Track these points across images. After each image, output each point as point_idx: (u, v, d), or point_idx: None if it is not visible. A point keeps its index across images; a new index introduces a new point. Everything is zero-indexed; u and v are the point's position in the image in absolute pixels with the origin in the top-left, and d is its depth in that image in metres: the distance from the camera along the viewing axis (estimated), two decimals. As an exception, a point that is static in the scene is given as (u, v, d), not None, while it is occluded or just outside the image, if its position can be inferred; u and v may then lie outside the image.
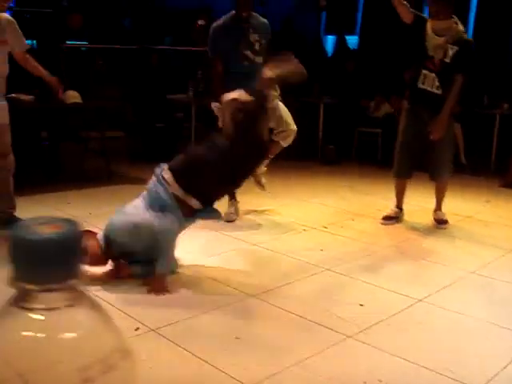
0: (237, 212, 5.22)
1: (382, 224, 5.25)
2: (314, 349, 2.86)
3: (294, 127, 5.11)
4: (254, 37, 4.94)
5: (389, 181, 6.18)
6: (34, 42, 8.14)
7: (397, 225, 5.23)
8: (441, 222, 5.20)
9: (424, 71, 4.90)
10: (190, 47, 9.06)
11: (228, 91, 4.32)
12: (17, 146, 4.71)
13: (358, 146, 8.32)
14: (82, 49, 9.67)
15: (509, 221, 5.46)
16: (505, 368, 2.77)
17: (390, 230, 5.08)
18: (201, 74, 7.59)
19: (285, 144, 5.19)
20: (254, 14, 5.05)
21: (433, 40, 4.81)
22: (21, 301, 0.66)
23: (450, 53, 4.81)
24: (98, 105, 6.52)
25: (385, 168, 7.54)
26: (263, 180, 5.35)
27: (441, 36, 4.79)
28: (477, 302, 3.57)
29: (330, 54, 11.71)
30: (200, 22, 8.79)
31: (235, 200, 5.23)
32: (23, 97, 5.84)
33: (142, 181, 6.50)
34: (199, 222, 4.88)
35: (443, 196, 5.27)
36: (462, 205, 5.93)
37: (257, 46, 4.95)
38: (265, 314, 3.27)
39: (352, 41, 12.65)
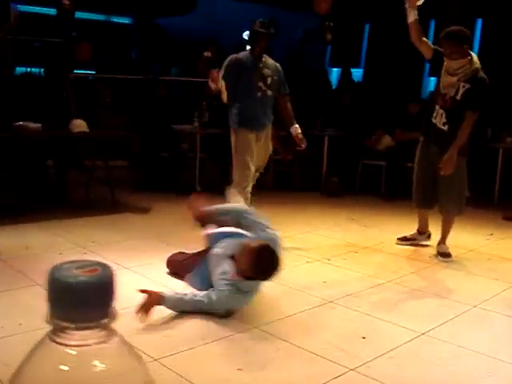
0: None
1: (397, 244, 5.56)
2: (316, 381, 2.85)
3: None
4: (266, 72, 5.40)
5: (392, 213, 6.23)
6: (42, 70, 8.24)
7: (400, 258, 5.23)
8: (444, 255, 5.21)
9: (436, 107, 5.02)
10: (195, 78, 9.15)
11: (246, 118, 5.32)
12: (23, 173, 4.76)
13: (361, 179, 8.35)
14: (90, 78, 9.82)
15: (511, 254, 5.45)
16: (508, 403, 2.76)
17: (394, 263, 5.07)
18: (206, 104, 7.66)
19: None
20: (265, 55, 5.49)
21: (446, 78, 4.93)
22: (56, 336, 0.71)
23: (461, 90, 4.86)
24: (103, 134, 6.58)
25: (388, 201, 7.60)
26: None
27: (453, 75, 4.88)
28: (479, 336, 3.56)
29: (334, 87, 11.82)
30: (206, 54, 8.91)
31: None
32: (31, 125, 5.91)
33: (146, 210, 6.61)
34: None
35: (449, 230, 5.31)
36: (465, 238, 5.93)
37: (269, 80, 5.39)
38: (267, 346, 3.26)
39: (357, 73, 12.78)
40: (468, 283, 4.60)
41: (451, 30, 4.86)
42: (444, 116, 4.97)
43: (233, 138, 5.48)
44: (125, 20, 13.71)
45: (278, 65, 5.54)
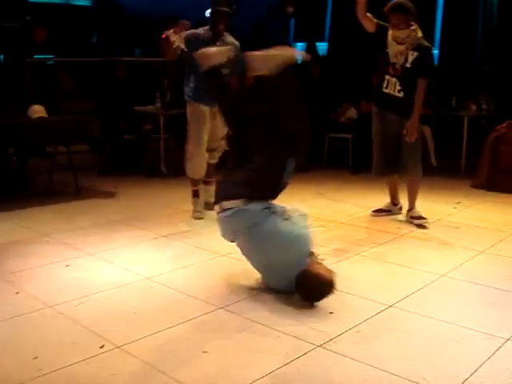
0: (202, 209, 5.56)
1: (372, 215, 5.64)
2: (283, 360, 2.81)
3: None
4: None
5: (359, 186, 6.20)
6: (1, 56, 8.02)
7: (367, 230, 5.22)
8: (420, 218, 5.36)
9: (387, 76, 5.23)
10: (156, 58, 8.99)
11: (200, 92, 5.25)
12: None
13: (329, 152, 8.30)
14: (49, 63, 9.60)
15: (479, 222, 5.46)
16: (476, 371, 2.74)
17: (362, 236, 5.05)
18: (167, 83, 7.53)
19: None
20: (226, 33, 5.47)
21: (394, 47, 5.14)
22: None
23: (411, 58, 5.12)
24: (62, 119, 6.43)
25: (356, 173, 7.58)
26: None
27: (401, 44, 5.11)
28: (448, 305, 3.55)
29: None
30: (167, 33, 8.74)
31: (198, 197, 5.59)
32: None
33: (111, 194, 6.50)
34: (170, 233, 4.89)
35: (415, 195, 5.46)
36: (432, 207, 5.92)
37: None
38: (233, 326, 3.21)
39: (322, 47, 12.69)
40: (436, 252, 4.58)
41: (397, 2, 5.08)
42: (398, 84, 5.19)
43: (188, 111, 5.47)
44: (84, 2, 13.43)
45: (236, 43, 5.47)
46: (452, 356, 2.90)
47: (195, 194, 5.60)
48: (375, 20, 5.22)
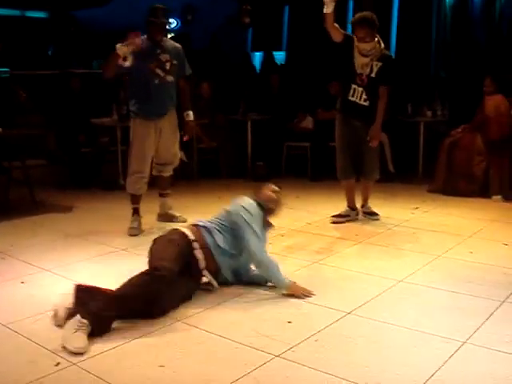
0: (140, 227, 5.44)
1: (332, 222, 5.72)
2: (241, 371, 2.80)
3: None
4: (165, 57, 5.28)
5: (318, 194, 6.23)
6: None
7: (326, 238, 5.24)
8: (372, 214, 5.84)
9: (353, 86, 5.46)
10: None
11: (142, 107, 5.27)
12: None
13: (287, 161, 8.32)
14: (3, 76, 9.46)
15: (436, 226, 5.53)
16: (433, 375, 2.76)
17: (320, 243, 5.06)
18: (123, 96, 7.47)
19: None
20: (166, 38, 5.45)
21: (360, 59, 5.37)
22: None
23: (375, 69, 5.39)
24: (18, 134, 6.33)
25: (315, 181, 7.62)
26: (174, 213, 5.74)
27: (366, 56, 5.35)
28: (405, 310, 3.57)
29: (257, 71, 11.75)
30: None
31: (138, 215, 5.49)
32: None
33: (68, 208, 6.41)
34: (129, 246, 4.83)
35: (369, 194, 5.91)
36: (391, 213, 6.00)
37: (168, 66, 5.28)
38: (191, 339, 3.18)
39: (279, 56, 12.75)
40: (394, 258, 4.62)
41: (363, 16, 5.34)
42: (364, 93, 5.44)
43: (131, 127, 5.40)
44: (40, 14, 13.27)
45: (178, 46, 5.43)
46: (409, 361, 2.91)
47: (135, 212, 5.48)
48: (342, 31, 5.38)
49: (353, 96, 5.48)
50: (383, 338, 3.18)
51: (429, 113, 7.93)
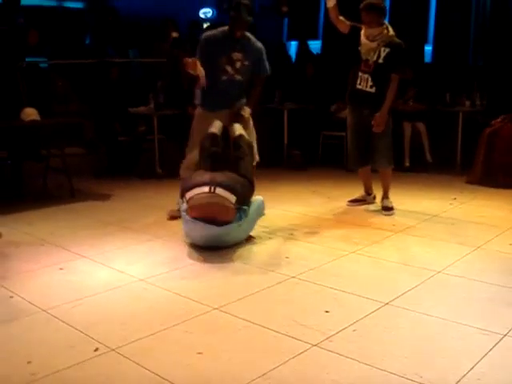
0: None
1: (348, 205, 5.89)
2: (278, 360, 2.79)
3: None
4: (237, 55, 5.02)
5: (355, 184, 6.19)
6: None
7: (362, 228, 5.19)
8: (387, 209, 5.65)
9: (360, 73, 5.47)
10: (150, 59, 8.98)
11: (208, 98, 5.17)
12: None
13: (323, 150, 8.28)
14: (42, 65, 9.57)
15: (475, 217, 5.45)
16: (472, 368, 2.72)
17: (357, 233, 5.01)
18: (161, 85, 7.50)
19: None
20: (248, 35, 5.10)
21: (366, 45, 5.37)
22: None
23: (383, 54, 5.35)
24: (55, 121, 6.40)
25: (351, 171, 7.56)
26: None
27: (373, 41, 5.35)
28: (444, 301, 3.53)
29: (293, 60, 11.69)
30: (174, 35, 8.75)
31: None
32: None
33: (106, 197, 6.48)
34: (164, 235, 4.86)
35: (389, 184, 5.75)
36: (429, 203, 5.93)
37: (238, 65, 5.04)
38: (228, 327, 3.19)
39: (315, 46, 12.66)
40: (432, 249, 4.57)
41: (371, 2, 5.33)
42: (370, 80, 5.42)
43: (194, 116, 5.32)
44: (77, 5, 13.40)
45: (258, 47, 5.12)
46: (448, 353, 2.88)
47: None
48: (348, 22, 5.44)
49: (360, 84, 5.47)
50: (422, 330, 3.15)
51: (467, 102, 7.81)
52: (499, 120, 7.03)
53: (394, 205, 5.72)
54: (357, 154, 5.70)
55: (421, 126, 7.76)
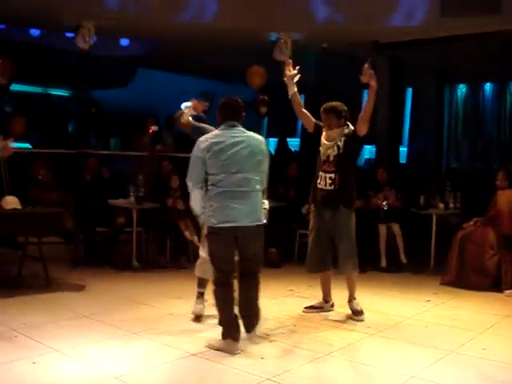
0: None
1: (304, 312, 5.66)
2: None
3: None
4: None
5: (332, 282, 6.18)
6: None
7: (337, 329, 5.19)
8: (357, 313, 5.46)
9: (321, 173, 5.43)
10: (135, 152, 9.15)
11: None
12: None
13: (299, 248, 8.33)
14: (24, 153, 9.68)
15: (448, 321, 5.50)
16: None
17: (331, 334, 5.01)
18: (142, 178, 7.61)
19: None
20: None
21: (325, 145, 5.39)
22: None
23: (341, 144, 5.34)
24: (36, 211, 6.45)
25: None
26: None
27: (332, 141, 5.36)
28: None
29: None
30: (153, 128, 8.94)
31: (203, 299, 5.34)
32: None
33: (82, 287, 6.43)
34: (139, 330, 4.82)
35: (354, 286, 5.56)
36: (402, 306, 5.98)
37: None
38: None
39: (294, 142, 13.00)
40: (405, 352, 4.56)
41: (332, 105, 5.41)
42: (328, 178, 5.37)
43: None
44: (63, 92, 13.72)
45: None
46: None
47: (200, 296, 5.35)
48: (313, 119, 5.54)
49: (319, 183, 5.45)
50: None
51: (441, 205, 7.99)
52: (472, 223, 7.20)
53: (368, 305, 5.68)
54: (315, 258, 5.57)
55: (395, 228, 7.90)
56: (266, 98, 10.13)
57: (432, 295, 6.50)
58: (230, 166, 4.40)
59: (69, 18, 8.00)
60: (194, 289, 5.36)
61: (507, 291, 6.67)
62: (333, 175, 5.38)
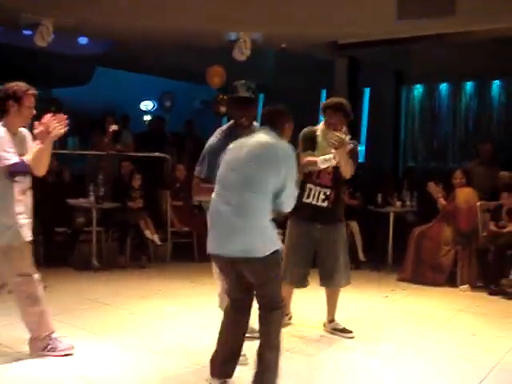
0: None
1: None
2: None
3: None
4: None
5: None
6: None
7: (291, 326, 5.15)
8: (345, 332, 4.95)
9: (309, 185, 4.77)
10: (93, 151, 9.07)
11: None
12: None
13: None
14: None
15: (405, 315, 5.64)
16: None
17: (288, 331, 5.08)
18: (102, 178, 7.56)
19: None
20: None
21: (325, 150, 4.69)
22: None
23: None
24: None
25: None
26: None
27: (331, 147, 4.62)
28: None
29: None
30: (113, 127, 8.85)
31: None
32: None
33: (41, 288, 6.32)
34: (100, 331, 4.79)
35: (336, 304, 5.06)
36: (361, 302, 6.07)
37: None
38: None
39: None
40: (364, 350, 4.65)
41: (340, 102, 4.81)
42: (322, 193, 4.76)
43: None
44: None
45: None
46: None
47: None
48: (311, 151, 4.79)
49: (308, 198, 4.76)
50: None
51: (398, 203, 8.13)
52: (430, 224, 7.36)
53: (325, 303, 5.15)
54: (301, 270, 4.86)
55: (353, 226, 8.00)
56: (224, 97, 10.15)
57: (390, 291, 6.63)
58: None
59: (27, 16, 7.90)
60: (154, 288, 5.36)
61: (462, 286, 6.84)
62: (328, 191, 4.77)
